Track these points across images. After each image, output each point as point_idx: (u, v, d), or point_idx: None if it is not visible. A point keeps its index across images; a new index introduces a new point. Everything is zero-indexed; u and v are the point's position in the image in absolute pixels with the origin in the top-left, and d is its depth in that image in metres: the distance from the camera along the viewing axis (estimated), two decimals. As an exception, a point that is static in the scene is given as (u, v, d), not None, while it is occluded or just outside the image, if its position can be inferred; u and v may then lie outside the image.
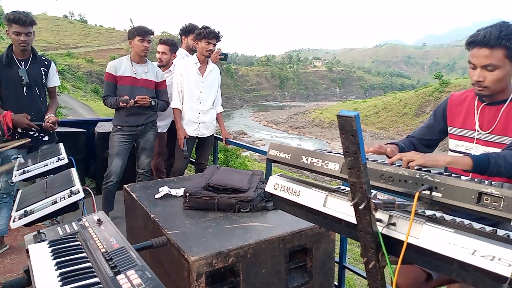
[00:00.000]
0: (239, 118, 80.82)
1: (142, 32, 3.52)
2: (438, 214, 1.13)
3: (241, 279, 1.88)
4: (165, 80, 3.82)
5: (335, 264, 2.52)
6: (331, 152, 1.37)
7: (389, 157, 1.73)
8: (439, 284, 1.90)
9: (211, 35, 3.71)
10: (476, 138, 1.76)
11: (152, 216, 2.21)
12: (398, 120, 64.78)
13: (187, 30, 4.32)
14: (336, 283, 2.63)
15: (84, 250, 1.19)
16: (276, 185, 1.52)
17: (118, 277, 1.00)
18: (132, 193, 2.59)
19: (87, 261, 1.12)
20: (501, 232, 1.00)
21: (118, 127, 3.61)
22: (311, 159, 1.37)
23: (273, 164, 1.84)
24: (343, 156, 1.08)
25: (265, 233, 2.00)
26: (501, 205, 0.92)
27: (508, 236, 0.96)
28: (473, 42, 1.61)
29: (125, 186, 2.76)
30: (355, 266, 3.06)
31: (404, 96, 73.82)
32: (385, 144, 1.80)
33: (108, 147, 3.67)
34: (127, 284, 0.97)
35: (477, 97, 1.79)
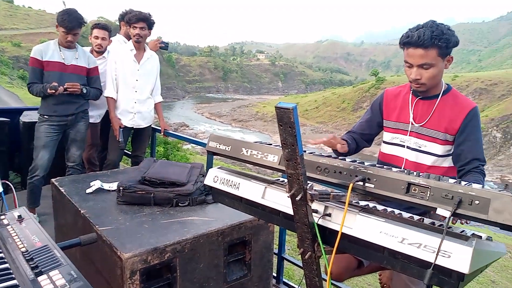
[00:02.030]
0: (180, 109, 79.28)
1: (67, 27, 3.24)
2: (372, 204, 1.16)
3: (178, 274, 1.83)
4: (97, 67, 3.59)
5: (274, 255, 2.56)
6: (270, 144, 1.37)
7: (339, 153, 1.78)
8: (370, 271, 2.00)
9: (134, 19, 3.53)
10: (410, 131, 1.85)
11: (82, 212, 2.08)
12: (337, 114, 67.42)
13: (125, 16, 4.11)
14: (274, 274, 2.67)
15: (1, 250, 1.09)
16: (215, 177, 1.50)
17: (40, 278, 0.93)
18: (60, 188, 2.42)
19: (4, 262, 1.03)
20: (427, 221, 1.05)
21: (45, 116, 3.34)
22: (251, 151, 1.36)
23: (214, 156, 1.80)
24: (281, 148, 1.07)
25: (204, 227, 1.97)
26: (428, 195, 0.97)
27: (434, 224, 1.02)
28: (408, 43, 1.68)
29: (53, 180, 2.57)
30: (295, 257, 3.13)
31: (343, 91, 76.93)
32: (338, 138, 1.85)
33: (34, 138, 3.39)
34: (49, 285, 0.91)
35: (411, 91, 1.88)
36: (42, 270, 0.96)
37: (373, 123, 2.02)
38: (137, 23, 3.54)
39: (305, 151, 1.20)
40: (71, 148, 3.52)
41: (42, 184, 3.40)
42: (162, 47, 4.18)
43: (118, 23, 4.32)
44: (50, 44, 3.36)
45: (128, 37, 4.07)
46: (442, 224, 0.99)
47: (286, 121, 0.97)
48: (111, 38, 4.03)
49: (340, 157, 1.22)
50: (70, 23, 3.23)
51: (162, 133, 4.05)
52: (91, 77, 3.51)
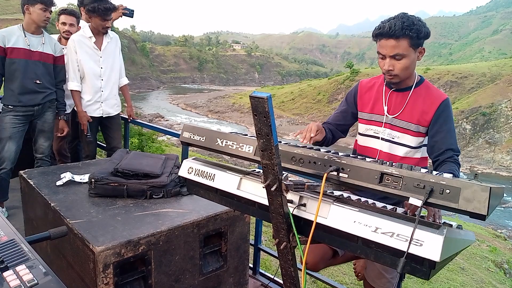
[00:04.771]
0: (155, 100, 78.05)
1: (47, 1, 3.11)
2: (346, 194, 1.17)
3: (153, 267, 1.80)
4: (64, 55, 3.45)
5: (251, 246, 2.56)
6: (246, 135, 1.36)
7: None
8: (345, 260, 2.02)
9: (108, 12, 3.37)
10: (384, 122, 1.87)
11: (52, 204, 2.01)
12: (312, 106, 68.02)
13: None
14: (251, 265, 2.67)
15: (-37, 246, 1.03)
16: (190, 169, 1.47)
17: (5, 274, 0.89)
18: (29, 180, 2.33)
19: (-33, 258, 0.97)
20: (400, 210, 1.06)
21: (9, 106, 3.19)
22: (226, 142, 1.34)
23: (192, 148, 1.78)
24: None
25: (179, 219, 1.94)
26: (400, 184, 0.98)
27: (406, 213, 1.03)
28: (380, 34, 1.70)
29: (21, 172, 2.47)
30: (271, 248, 3.14)
31: (319, 83, 77.60)
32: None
33: None
34: (15, 281, 0.87)
35: (385, 83, 1.90)
36: (8, 265, 0.91)
37: (348, 114, 2.04)
38: (109, 15, 3.41)
39: (280, 142, 1.19)
40: (38, 139, 3.39)
41: (9, 177, 3.27)
42: (126, 14, 3.81)
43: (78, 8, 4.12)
44: (14, 30, 3.18)
45: None
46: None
47: (261, 111, 0.96)
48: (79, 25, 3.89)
49: (314, 147, 1.22)
50: None
51: (129, 120, 3.94)
52: (57, 65, 3.37)
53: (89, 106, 3.56)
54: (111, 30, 3.60)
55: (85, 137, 3.58)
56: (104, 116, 3.67)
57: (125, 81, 3.87)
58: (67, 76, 3.51)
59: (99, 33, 3.50)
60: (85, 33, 3.48)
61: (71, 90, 3.50)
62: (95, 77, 3.54)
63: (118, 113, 3.82)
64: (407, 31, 1.63)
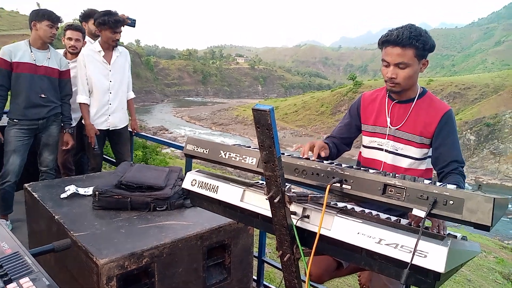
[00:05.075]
0: (159, 113, 78.52)
1: (54, 18, 3.19)
2: (349, 206, 1.17)
3: (156, 279, 1.79)
4: (69, 70, 3.49)
5: (254, 258, 2.54)
6: (249, 147, 1.37)
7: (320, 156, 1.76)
8: (349, 272, 2.00)
9: (118, 24, 3.42)
10: (387, 134, 1.87)
11: (56, 217, 2.02)
12: (315, 118, 68.15)
13: (87, 15, 4.01)
14: (255, 277, 2.65)
15: (-33, 259, 1.03)
16: (193, 181, 1.48)
17: (9, 286, 0.89)
18: (33, 193, 2.34)
19: (-29, 271, 0.97)
20: (404, 222, 1.06)
21: (14, 120, 3.22)
22: (229, 154, 1.35)
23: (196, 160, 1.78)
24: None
25: (182, 231, 1.94)
26: (404, 196, 0.98)
27: (410, 224, 1.03)
28: (387, 41, 1.72)
29: (26, 185, 2.48)
30: (275, 260, 3.12)
31: (322, 95, 77.89)
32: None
33: (4, 143, 3.26)
34: (19, 293, 0.87)
35: (387, 95, 1.90)
36: (12, 277, 0.91)
37: (351, 127, 2.04)
38: (119, 28, 3.46)
39: (283, 153, 1.20)
40: (43, 153, 3.41)
41: (14, 190, 3.28)
42: (128, 24, 3.83)
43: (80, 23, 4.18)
44: (21, 45, 3.24)
45: (93, 36, 3.96)
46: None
47: (263, 123, 0.97)
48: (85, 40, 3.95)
49: (318, 159, 1.22)
50: (56, 14, 3.18)
51: (133, 133, 3.97)
52: (62, 79, 3.41)
53: (97, 119, 3.59)
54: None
55: (92, 150, 3.60)
56: (111, 129, 3.69)
57: (131, 95, 3.91)
58: (75, 90, 3.55)
59: (109, 47, 3.55)
60: (95, 47, 3.55)
61: (79, 103, 3.54)
62: (104, 90, 3.57)
63: (126, 127, 3.84)
64: (413, 40, 1.65)
